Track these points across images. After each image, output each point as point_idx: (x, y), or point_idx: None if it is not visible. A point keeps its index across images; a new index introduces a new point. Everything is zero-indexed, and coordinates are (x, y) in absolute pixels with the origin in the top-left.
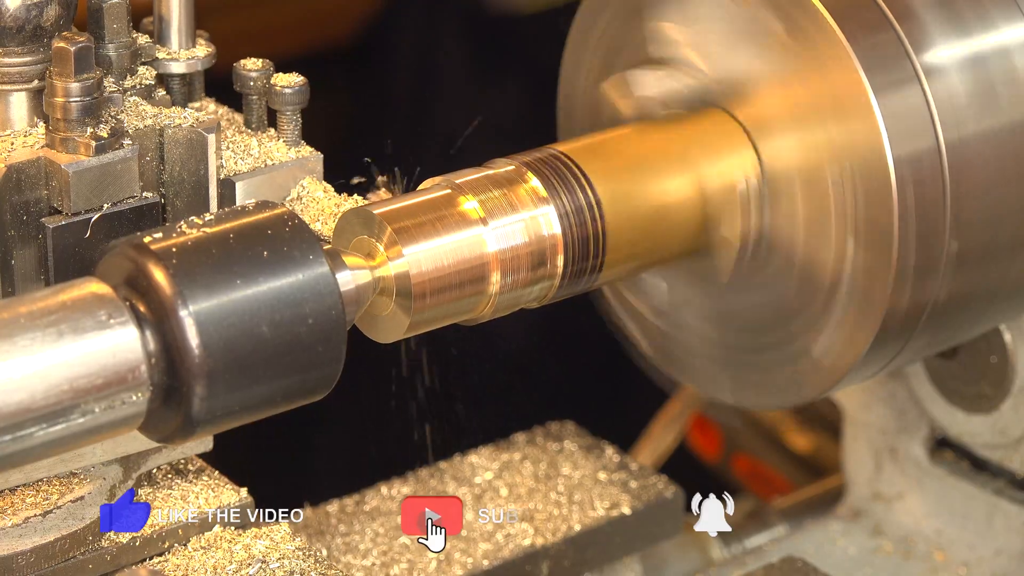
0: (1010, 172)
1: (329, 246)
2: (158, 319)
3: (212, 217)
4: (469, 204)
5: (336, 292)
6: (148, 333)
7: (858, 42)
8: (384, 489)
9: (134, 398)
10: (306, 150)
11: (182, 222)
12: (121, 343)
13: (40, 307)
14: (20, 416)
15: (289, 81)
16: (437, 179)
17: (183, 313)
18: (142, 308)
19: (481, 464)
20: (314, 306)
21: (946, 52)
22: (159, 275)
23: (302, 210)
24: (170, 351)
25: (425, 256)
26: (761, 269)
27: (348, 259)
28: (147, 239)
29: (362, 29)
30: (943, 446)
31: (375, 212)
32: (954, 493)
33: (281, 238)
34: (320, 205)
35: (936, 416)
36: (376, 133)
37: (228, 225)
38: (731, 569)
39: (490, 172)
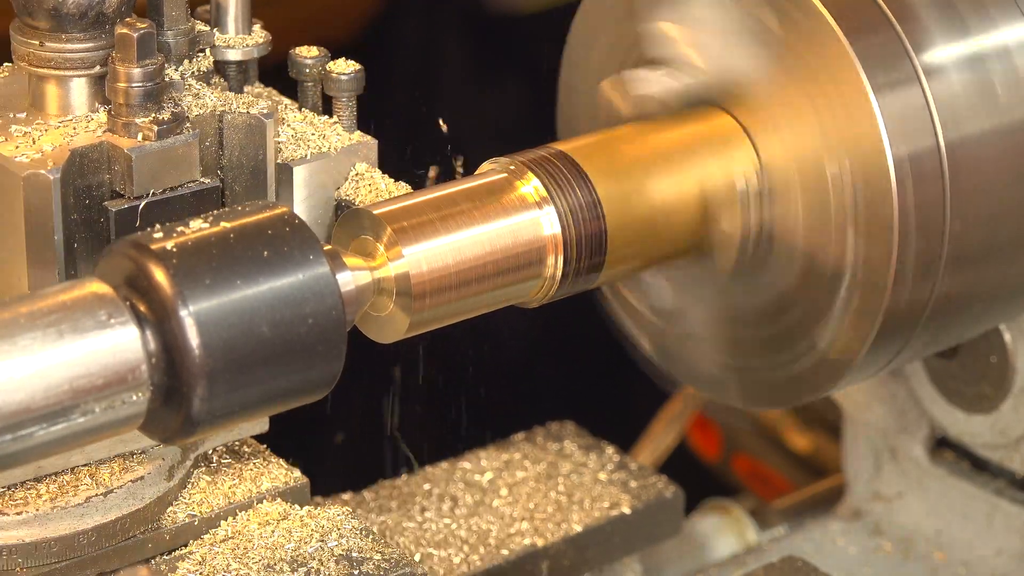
0: (1010, 172)
1: (329, 247)
2: (158, 319)
3: (212, 217)
4: (472, 204)
5: (336, 292)
6: (148, 333)
7: (858, 42)
8: (384, 489)
9: (134, 398)
10: (362, 136)
11: (182, 222)
12: (121, 343)
13: (40, 307)
14: (20, 416)
15: (345, 68)
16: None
17: (183, 313)
18: (142, 308)
19: (481, 464)
20: (314, 306)
21: (946, 52)
22: (159, 275)
23: (362, 195)
24: (170, 351)
25: (425, 256)
26: (761, 268)
27: (348, 259)
28: (147, 239)
29: (362, 29)
30: (943, 446)
31: (375, 212)
32: (954, 493)
33: (281, 238)
34: (375, 191)
35: (936, 416)
36: (376, 133)
37: (228, 225)
38: (731, 569)
39: (492, 174)
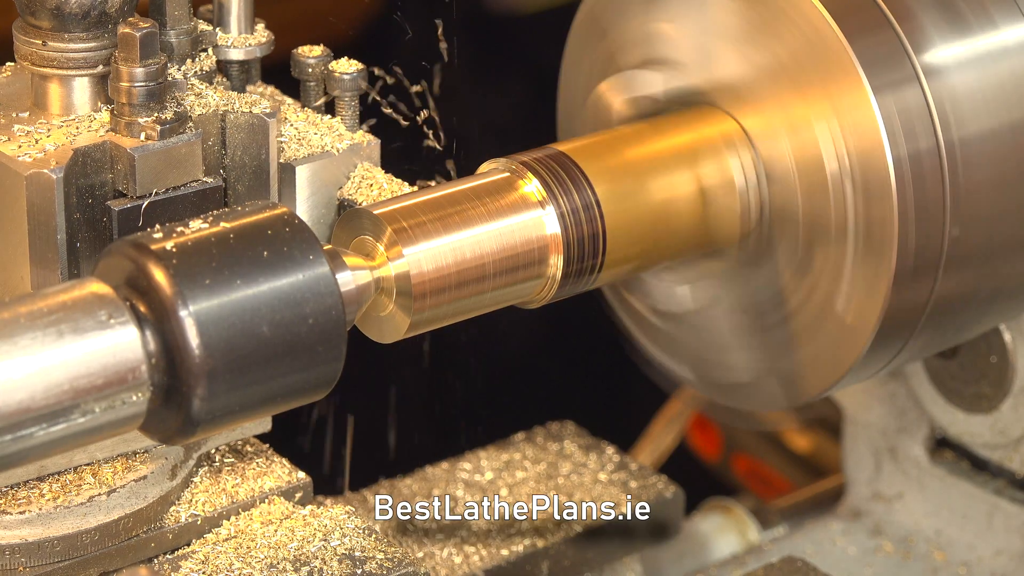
0: (1010, 172)
1: (329, 246)
2: (158, 319)
3: (212, 217)
4: (472, 205)
5: (336, 292)
6: (148, 333)
7: (858, 42)
8: (385, 489)
9: (134, 398)
10: (364, 135)
11: (182, 222)
12: (121, 343)
13: (40, 307)
14: (20, 416)
15: (348, 67)
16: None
17: (183, 313)
18: (142, 308)
19: (481, 464)
20: (314, 306)
21: (946, 52)
22: (159, 275)
23: (365, 195)
24: (170, 351)
25: (426, 256)
26: (760, 269)
27: (348, 259)
28: (147, 239)
29: (362, 29)
30: (943, 446)
31: (375, 212)
32: (954, 493)
33: (281, 238)
34: (378, 190)
35: (936, 416)
36: (375, 132)
37: (228, 225)
38: (731, 569)
39: (494, 173)
